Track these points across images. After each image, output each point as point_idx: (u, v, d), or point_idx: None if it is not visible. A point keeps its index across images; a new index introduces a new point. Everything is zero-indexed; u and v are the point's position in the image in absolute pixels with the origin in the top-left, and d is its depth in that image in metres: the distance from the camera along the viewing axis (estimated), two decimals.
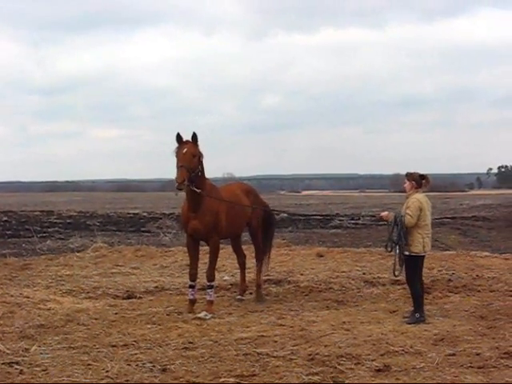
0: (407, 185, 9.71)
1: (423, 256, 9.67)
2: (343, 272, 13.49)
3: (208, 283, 10.30)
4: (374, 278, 12.66)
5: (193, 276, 10.38)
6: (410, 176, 9.69)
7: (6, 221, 33.39)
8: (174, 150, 10.05)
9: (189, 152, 9.94)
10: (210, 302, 10.21)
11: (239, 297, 11.20)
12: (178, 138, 10.03)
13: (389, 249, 9.63)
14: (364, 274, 13.24)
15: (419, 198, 9.53)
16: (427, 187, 9.78)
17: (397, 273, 9.57)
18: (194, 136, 10.09)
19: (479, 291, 11.40)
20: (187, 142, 10.08)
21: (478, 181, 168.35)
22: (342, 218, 35.31)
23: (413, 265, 9.57)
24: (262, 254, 11.52)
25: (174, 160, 9.96)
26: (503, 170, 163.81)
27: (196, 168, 10.02)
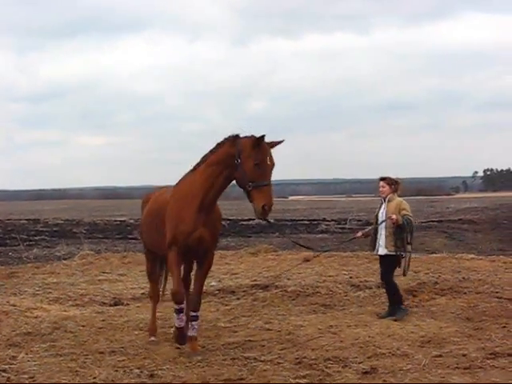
0: (387, 189, 9.89)
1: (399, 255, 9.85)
2: (330, 276, 13.51)
3: (193, 313, 8.05)
4: (361, 281, 12.68)
5: (181, 296, 7.93)
6: (389, 179, 9.95)
7: None
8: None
9: None
10: (194, 339, 8.03)
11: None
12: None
13: (402, 253, 9.69)
14: (351, 277, 13.27)
15: (401, 200, 9.83)
16: (400, 191, 10.04)
17: (407, 272, 9.82)
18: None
19: (465, 293, 11.45)
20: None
21: (464, 184, 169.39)
22: (328, 223, 35.36)
23: (392, 264, 9.79)
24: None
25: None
26: (489, 173, 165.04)
27: None
